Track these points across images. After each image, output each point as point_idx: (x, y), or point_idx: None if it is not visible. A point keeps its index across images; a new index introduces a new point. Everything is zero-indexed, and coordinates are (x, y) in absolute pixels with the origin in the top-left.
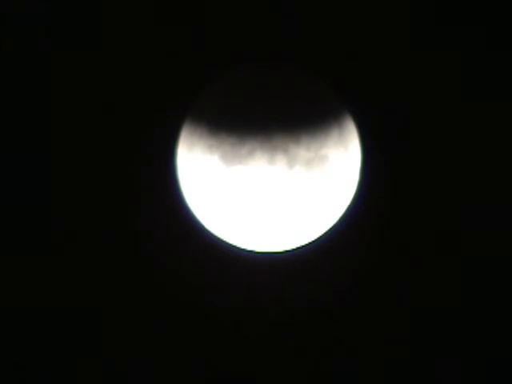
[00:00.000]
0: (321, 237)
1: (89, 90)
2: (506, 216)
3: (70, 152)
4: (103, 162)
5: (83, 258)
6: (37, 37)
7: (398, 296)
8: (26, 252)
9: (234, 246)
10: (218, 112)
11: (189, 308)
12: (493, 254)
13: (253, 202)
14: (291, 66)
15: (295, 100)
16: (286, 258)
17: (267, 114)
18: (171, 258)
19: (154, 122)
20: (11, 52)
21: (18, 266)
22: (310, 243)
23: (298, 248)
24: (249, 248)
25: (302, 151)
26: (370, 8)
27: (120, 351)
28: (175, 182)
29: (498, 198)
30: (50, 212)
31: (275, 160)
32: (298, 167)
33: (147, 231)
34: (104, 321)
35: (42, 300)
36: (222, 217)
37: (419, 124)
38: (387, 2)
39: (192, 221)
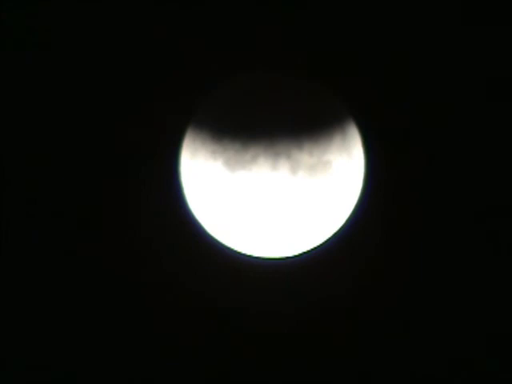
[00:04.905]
0: (324, 242)
1: (90, 92)
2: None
3: (71, 153)
4: (105, 166)
5: (84, 259)
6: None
7: (397, 296)
8: (27, 253)
9: (237, 252)
10: (221, 118)
11: (189, 308)
12: (493, 253)
13: (256, 208)
14: (292, 68)
15: (297, 104)
16: (289, 263)
17: (270, 119)
18: (173, 262)
19: (156, 126)
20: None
21: (19, 267)
22: (313, 249)
23: (301, 254)
24: (252, 254)
25: (305, 157)
26: (371, 8)
27: (120, 352)
28: (178, 188)
29: (499, 201)
30: (49, 213)
31: (278, 166)
32: (302, 173)
33: (150, 235)
34: (104, 321)
35: (41, 300)
36: (225, 222)
37: (421, 126)
38: (387, 3)
39: (196, 227)
